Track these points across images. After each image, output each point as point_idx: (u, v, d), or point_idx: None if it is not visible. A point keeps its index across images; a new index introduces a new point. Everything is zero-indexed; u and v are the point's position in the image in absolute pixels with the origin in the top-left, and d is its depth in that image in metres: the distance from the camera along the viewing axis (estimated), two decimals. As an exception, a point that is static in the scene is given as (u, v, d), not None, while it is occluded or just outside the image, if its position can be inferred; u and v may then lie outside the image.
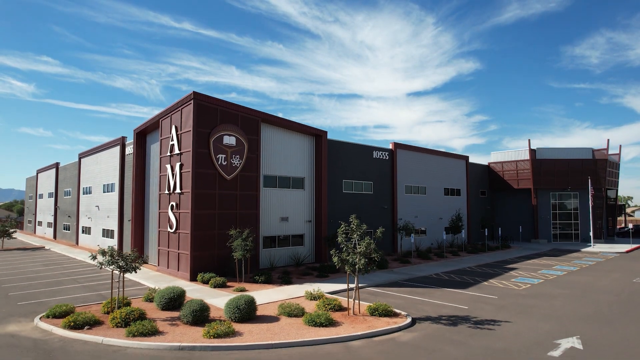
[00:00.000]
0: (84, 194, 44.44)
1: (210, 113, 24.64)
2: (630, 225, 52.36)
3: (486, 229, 40.64)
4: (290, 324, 14.82)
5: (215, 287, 21.40)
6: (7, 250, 40.70)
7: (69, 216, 48.64)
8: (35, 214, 65.91)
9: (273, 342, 12.80)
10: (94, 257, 15.74)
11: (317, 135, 30.99)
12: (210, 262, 24.09)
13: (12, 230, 44.62)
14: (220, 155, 24.68)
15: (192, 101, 24.14)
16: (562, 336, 13.71)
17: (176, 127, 25.55)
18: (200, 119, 24.12)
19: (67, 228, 49.37)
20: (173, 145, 25.72)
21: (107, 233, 37.60)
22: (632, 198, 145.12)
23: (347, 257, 15.95)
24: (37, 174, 65.60)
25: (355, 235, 16.31)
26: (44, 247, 43.88)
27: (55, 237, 53.61)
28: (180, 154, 24.93)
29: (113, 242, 35.61)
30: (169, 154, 26.14)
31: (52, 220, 56.15)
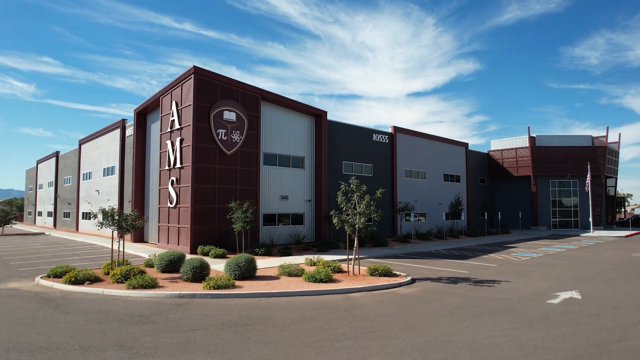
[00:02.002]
0: (84, 179, 44.47)
1: (211, 88, 24.69)
2: (629, 210, 52.42)
3: (486, 213, 40.69)
4: (290, 280, 14.87)
5: (215, 257, 21.46)
6: (7, 236, 40.73)
7: (69, 203, 48.66)
8: (35, 205, 65.89)
9: (273, 291, 12.84)
10: (95, 216, 15.77)
11: (317, 115, 31.03)
12: (210, 236, 24.13)
13: (12, 215, 44.60)
14: (220, 130, 24.71)
15: (192, 75, 24.18)
16: (561, 290, 13.77)
17: (176, 103, 25.60)
18: (200, 93, 24.16)
19: (67, 215, 49.38)
20: (173, 120, 25.76)
21: (107, 216, 37.58)
22: (631, 195, 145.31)
23: (347, 218, 16.00)
24: (37, 164, 65.60)
25: (355, 196, 16.35)
26: (44, 232, 43.90)
27: (55, 225, 53.61)
28: (181, 128, 24.97)
29: (113, 225, 35.59)
30: (169, 129, 26.18)
31: (52, 209, 56.16)
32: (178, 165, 24.89)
